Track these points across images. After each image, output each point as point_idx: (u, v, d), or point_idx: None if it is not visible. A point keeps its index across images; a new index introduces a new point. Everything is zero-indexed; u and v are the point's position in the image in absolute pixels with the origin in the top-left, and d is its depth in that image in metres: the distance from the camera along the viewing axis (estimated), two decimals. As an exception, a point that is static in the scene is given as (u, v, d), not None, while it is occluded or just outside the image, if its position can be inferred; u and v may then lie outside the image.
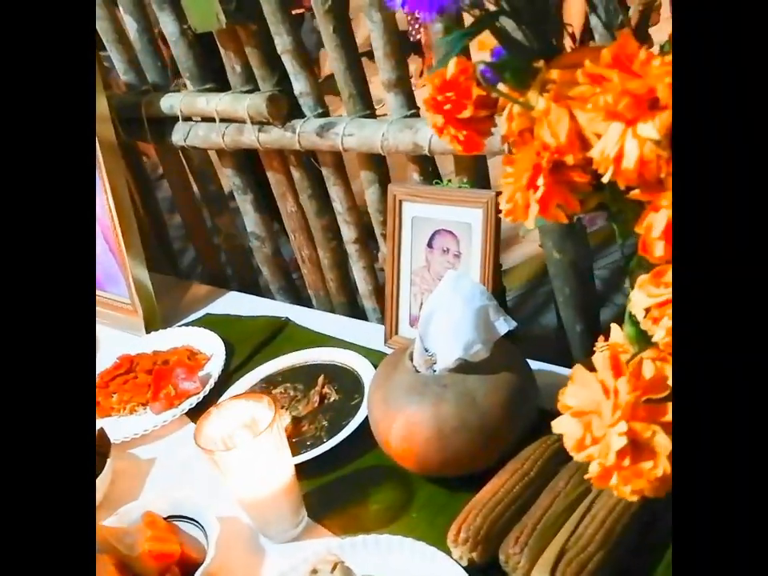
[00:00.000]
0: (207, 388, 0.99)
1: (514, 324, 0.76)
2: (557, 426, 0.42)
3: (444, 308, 0.77)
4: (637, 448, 0.39)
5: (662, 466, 0.38)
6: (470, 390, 0.72)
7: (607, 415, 0.39)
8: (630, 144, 0.38)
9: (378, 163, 1.01)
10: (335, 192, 1.07)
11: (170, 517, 0.76)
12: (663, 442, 0.38)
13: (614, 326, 0.55)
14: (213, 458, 0.69)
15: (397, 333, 0.99)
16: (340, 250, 1.14)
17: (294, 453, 0.82)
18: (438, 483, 0.75)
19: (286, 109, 1.03)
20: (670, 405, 0.40)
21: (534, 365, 0.89)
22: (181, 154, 1.30)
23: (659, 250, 0.44)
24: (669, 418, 0.39)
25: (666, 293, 0.43)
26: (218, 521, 0.73)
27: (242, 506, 0.74)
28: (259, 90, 1.07)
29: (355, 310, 1.20)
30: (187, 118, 1.20)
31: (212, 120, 1.13)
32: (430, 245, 0.96)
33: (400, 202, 0.98)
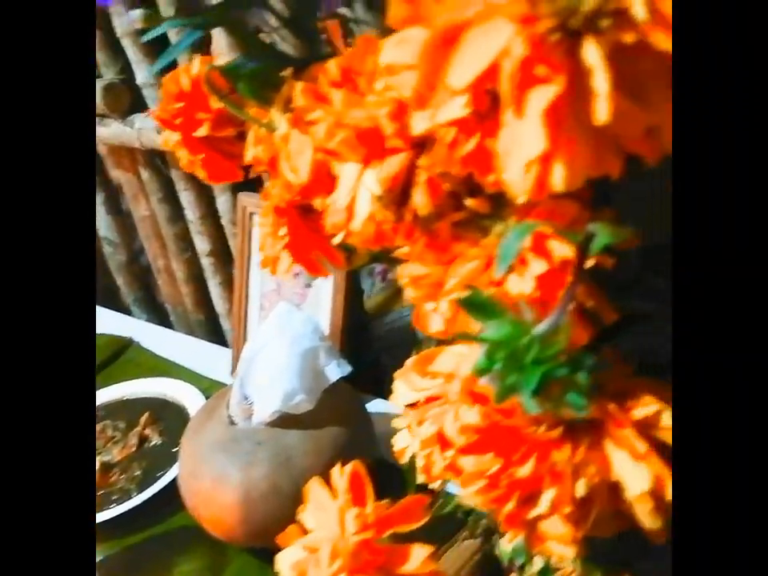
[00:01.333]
0: (20, 421, 0.85)
1: (348, 369, 0.66)
2: (279, 560, 0.32)
3: (269, 348, 0.66)
4: (362, 610, 0.28)
5: (388, 641, 0.28)
6: (287, 448, 0.61)
7: (324, 563, 0.28)
8: (363, 196, 0.27)
9: (230, 169, 0.89)
10: (185, 198, 0.94)
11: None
12: (392, 608, 0.28)
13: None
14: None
15: (245, 362, 0.88)
16: (195, 262, 1.01)
17: (96, 509, 0.69)
18: (254, 553, 0.65)
19: (126, 101, 0.90)
20: (414, 546, 0.30)
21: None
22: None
23: (436, 324, 0.34)
24: (413, 566, 0.29)
25: (433, 386, 0.33)
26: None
27: None
28: (101, 77, 0.93)
29: (217, 331, 1.08)
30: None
31: (52, 108, 0.98)
32: (282, 265, 0.85)
33: (251, 214, 0.86)
